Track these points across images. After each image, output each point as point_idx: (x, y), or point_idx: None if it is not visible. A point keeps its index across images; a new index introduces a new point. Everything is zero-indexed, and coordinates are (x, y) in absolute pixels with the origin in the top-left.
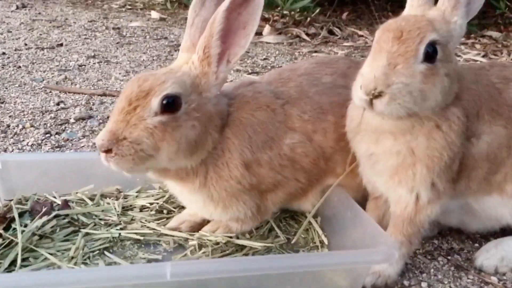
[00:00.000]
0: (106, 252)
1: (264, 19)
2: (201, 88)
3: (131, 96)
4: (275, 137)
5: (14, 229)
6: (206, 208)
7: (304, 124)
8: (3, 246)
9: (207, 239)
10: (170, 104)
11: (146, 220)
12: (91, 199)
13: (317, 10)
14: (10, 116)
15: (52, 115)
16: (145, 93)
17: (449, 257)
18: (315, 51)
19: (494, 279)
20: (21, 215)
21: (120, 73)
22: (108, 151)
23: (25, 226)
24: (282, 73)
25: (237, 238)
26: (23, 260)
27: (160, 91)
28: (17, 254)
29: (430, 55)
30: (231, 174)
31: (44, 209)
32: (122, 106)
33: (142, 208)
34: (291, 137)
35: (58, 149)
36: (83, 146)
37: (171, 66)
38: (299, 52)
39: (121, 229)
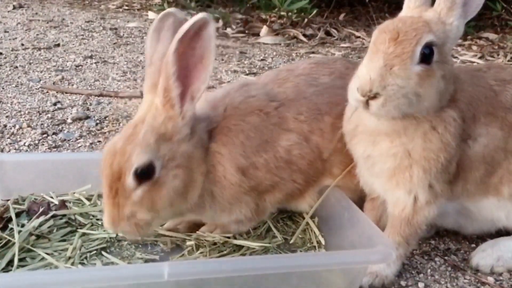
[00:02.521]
0: (103, 252)
1: (262, 20)
2: (169, 134)
3: (108, 181)
4: (270, 140)
5: (11, 229)
6: (210, 213)
7: (300, 125)
8: (0, 246)
9: (205, 239)
10: (144, 174)
11: None
12: (88, 199)
13: (314, 11)
14: (7, 116)
15: (49, 115)
16: (117, 175)
17: (446, 258)
18: (312, 52)
19: (490, 279)
20: (18, 215)
21: (117, 74)
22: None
23: (22, 226)
24: (279, 73)
25: (235, 238)
26: (20, 260)
27: (130, 169)
28: (14, 254)
29: (427, 56)
30: (231, 182)
31: (41, 209)
32: (107, 193)
33: None
34: (287, 139)
35: (55, 149)
36: (80, 146)
37: (135, 118)
38: (296, 53)
39: None
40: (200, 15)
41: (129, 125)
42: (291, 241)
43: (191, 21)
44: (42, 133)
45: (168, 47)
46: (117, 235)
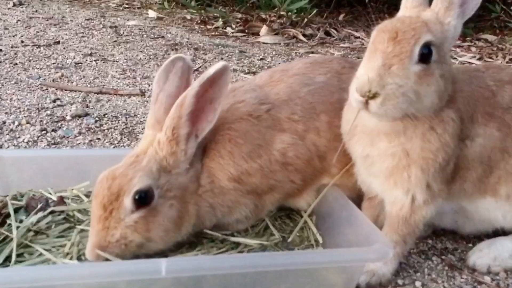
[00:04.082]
0: None
1: (261, 20)
2: (169, 167)
3: (103, 201)
4: (263, 143)
5: (9, 224)
6: (215, 221)
7: (295, 125)
8: None
9: (203, 237)
10: (143, 199)
11: None
12: (87, 195)
13: (314, 11)
14: (6, 113)
15: (48, 112)
16: (116, 195)
17: (443, 257)
18: (312, 52)
19: (487, 278)
20: (16, 211)
21: (116, 72)
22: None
23: (21, 222)
24: (273, 75)
25: (233, 235)
26: (18, 255)
27: (130, 189)
28: (12, 249)
29: (425, 56)
30: (227, 188)
31: (39, 205)
32: (98, 214)
33: None
34: (281, 141)
35: (54, 146)
36: (79, 143)
37: (137, 150)
38: (295, 52)
39: None
40: (222, 63)
41: (130, 155)
42: (289, 240)
43: (214, 68)
44: (41, 130)
45: (175, 88)
46: None
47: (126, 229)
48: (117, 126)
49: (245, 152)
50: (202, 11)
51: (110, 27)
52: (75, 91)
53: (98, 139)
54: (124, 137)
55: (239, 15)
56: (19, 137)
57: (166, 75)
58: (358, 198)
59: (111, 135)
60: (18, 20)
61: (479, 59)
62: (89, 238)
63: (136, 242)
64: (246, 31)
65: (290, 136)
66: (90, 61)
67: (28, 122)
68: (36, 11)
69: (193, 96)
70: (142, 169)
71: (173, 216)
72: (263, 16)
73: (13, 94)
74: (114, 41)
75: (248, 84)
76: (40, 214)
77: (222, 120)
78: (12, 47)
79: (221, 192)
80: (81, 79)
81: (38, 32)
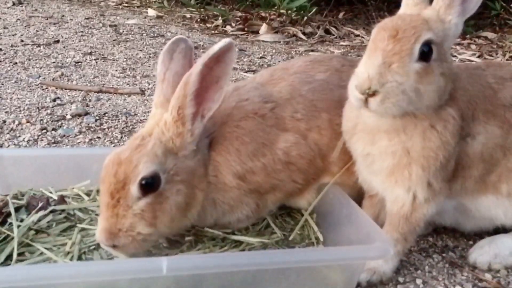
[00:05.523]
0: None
1: (261, 18)
2: (176, 149)
3: (110, 189)
4: (267, 142)
5: (10, 223)
6: (217, 219)
7: (298, 123)
8: None
9: (204, 235)
10: (150, 185)
11: None
12: (88, 194)
13: (314, 9)
14: (6, 112)
15: (49, 111)
16: (122, 183)
17: (443, 254)
18: (312, 50)
19: (488, 276)
20: (17, 209)
21: (116, 70)
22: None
23: (21, 221)
24: (273, 73)
25: (234, 234)
26: (19, 254)
27: (136, 177)
28: (13, 248)
29: (425, 54)
30: (230, 186)
31: (40, 204)
32: (106, 202)
33: None
34: (284, 140)
35: (54, 145)
36: (79, 142)
37: (142, 131)
38: (295, 51)
39: None
40: (227, 40)
41: (135, 136)
42: (290, 238)
43: (219, 45)
44: (42, 129)
45: (181, 67)
46: None
47: (134, 218)
48: (117, 125)
49: (250, 150)
50: (202, 9)
51: (110, 26)
52: (75, 90)
53: (99, 138)
54: (124, 135)
55: (239, 14)
56: (19, 136)
57: (171, 55)
58: (358, 196)
59: (111, 134)
60: (18, 19)
61: (479, 56)
62: (99, 223)
63: (144, 234)
64: (245, 29)
65: (293, 135)
66: (90, 60)
67: (28, 121)
68: (36, 10)
69: (198, 74)
70: (147, 154)
71: (180, 201)
72: (263, 14)
73: (13, 93)
74: (114, 40)
75: (250, 83)
76: (41, 213)
77: (229, 116)
78: (12, 46)
79: (223, 189)
80: (81, 78)
81: (37, 31)
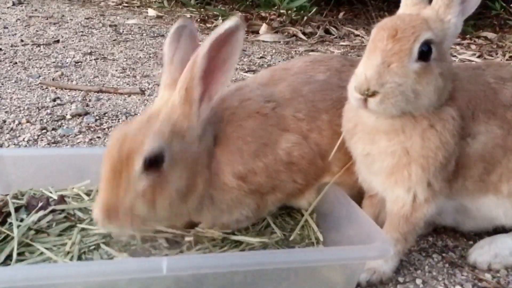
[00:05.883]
0: (102, 245)
1: (261, 18)
2: (183, 132)
3: (113, 164)
4: (269, 142)
5: (10, 223)
6: (214, 217)
7: (299, 123)
8: None
9: (203, 236)
10: (153, 161)
11: None
12: (88, 194)
13: (314, 9)
14: (6, 112)
15: (48, 111)
16: (126, 158)
17: (443, 254)
18: (312, 50)
19: (488, 276)
20: (17, 209)
21: (116, 70)
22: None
23: (21, 220)
24: (274, 73)
25: (233, 234)
26: (19, 254)
27: (140, 154)
28: (13, 248)
29: (425, 54)
30: (230, 186)
31: (40, 204)
32: (108, 177)
33: None
34: (286, 140)
35: (54, 145)
36: (79, 142)
37: (149, 111)
38: (295, 51)
39: None
40: (235, 19)
41: (142, 115)
42: (291, 238)
43: (226, 25)
44: (42, 129)
45: (188, 49)
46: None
47: (135, 195)
48: (117, 125)
49: (253, 150)
50: (202, 9)
51: (110, 26)
52: (75, 90)
53: (99, 137)
54: None
55: (239, 14)
56: (19, 136)
57: (178, 38)
58: (359, 195)
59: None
60: (18, 19)
61: (478, 56)
62: (97, 200)
63: (142, 215)
64: (245, 29)
65: (295, 135)
66: (90, 60)
67: (28, 121)
68: (36, 10)
69: (205, 54)
70: (154, 131)
71: (181, 186)
72: (263, 14)
73: (13, 93)
74: (114, 40)
75: (251, 83)
76: (41, 213)
77: (233, 116)
78: (11, 46)
79: (222, 188)
80: (81, 78)
81: (37, 31)
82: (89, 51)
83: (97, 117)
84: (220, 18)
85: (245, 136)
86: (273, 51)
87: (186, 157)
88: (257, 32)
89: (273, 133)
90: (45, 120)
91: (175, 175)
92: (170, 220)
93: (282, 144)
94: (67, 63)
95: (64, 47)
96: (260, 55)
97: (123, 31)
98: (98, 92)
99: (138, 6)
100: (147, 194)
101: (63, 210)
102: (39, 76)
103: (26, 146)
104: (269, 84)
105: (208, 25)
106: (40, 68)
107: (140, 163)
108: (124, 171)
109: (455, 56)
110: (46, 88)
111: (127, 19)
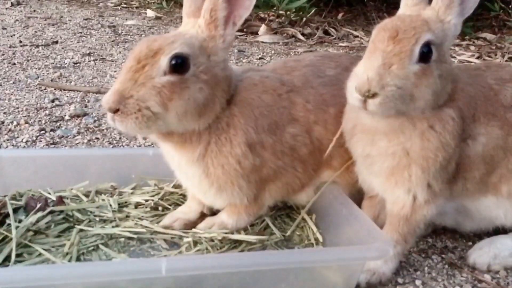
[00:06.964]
0: (101, 246)
1: (260, 19)
2: (209, 51)
3: (140, 55)
4: (279, 122)
5: (9, 224)
6: (201, 185)
7: (307, 113)
8: None
9: (202, 236)
10: (179, 65)
11: (140, 218)
12: (86, 195)
13: (313, 10)
14: (4, 113)
15: (47, 112)
16: (154, 52)
17: (443, 255)
18: (311, 51)
19: (487, 277)
20: (15, 210)
21: (115, 71)
22: (115, 111)
23: (20, 221)
24: (287, 62)
25: (232, 234)
26: (17, 255)
27: (170, 50)
28: (11, 249)
29: (425, 55)
30: (232, 151)
31: (38, 205)
32: (130, 65)
33: (137, 205)
34: (293, 126)
35: (52, 146)
36: (78, 143)
37: (178, 29)
38: (294, 52)
39: (116, 225)
40: None
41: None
42: (287, 234)
43: None
44: (40, 130)
45: None
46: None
47: (151, 89)
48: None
49: (266, 123)
50: None
51: (109, 26)
52: (74, 90)
53: (97, 138)
54: (123, 136)
55: None
56: (17, 137)
57: None
58: (359, 195)
59: (110, 134)
60: (16, 20)
61: (478, 58)
62: (113, 85)
63: (153, 108)
64: (244, 30)
65: (301, 125)
66: (89, 61)
67: (26, 122)
68: (34, 11)
69: None
70: (185, 39)
71: (199, 99)
72: (262, 15)
73: (11, 94)
74: (113, 41)
75: (265, 70)
76: (40, 214)
77: (254, 87)
78: (10, 47)
79: (224, 145)
80: (79, 78)
81: (36, 32)
82: (87, 52)
83: (95, 118)
84: None
85: (262, 108)
86: (272, 52)
87: (209, 75)
88: (256, 33)
89: (284, 114)
90: (43, 121)
91: (197, 86)
92: (176, 128)
93: (289, 128)
94: (66, 64)
95: (62, 48)
96: (259, 56)
97: (121, 32)
98: (96, 93)
99: (137, 7)
100: (165, 93)
101: (61, 211)
102: (38, 77)
103: (24, 147)
104: (283, 71)
105: None
106: (39, 69)
107: (166, 60)
108: (148, 64)
109: (454, 57)
110: (45, 89)
111: (126, 20)
